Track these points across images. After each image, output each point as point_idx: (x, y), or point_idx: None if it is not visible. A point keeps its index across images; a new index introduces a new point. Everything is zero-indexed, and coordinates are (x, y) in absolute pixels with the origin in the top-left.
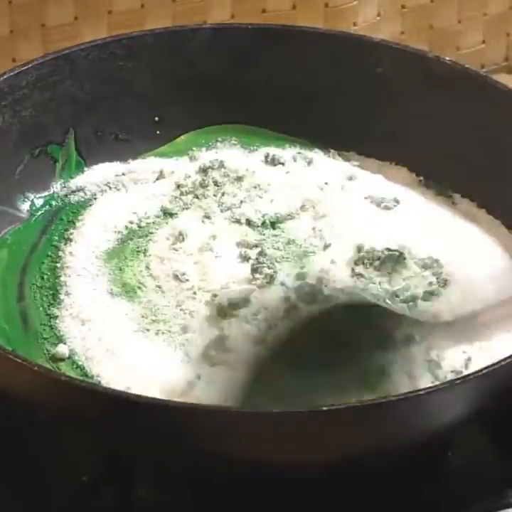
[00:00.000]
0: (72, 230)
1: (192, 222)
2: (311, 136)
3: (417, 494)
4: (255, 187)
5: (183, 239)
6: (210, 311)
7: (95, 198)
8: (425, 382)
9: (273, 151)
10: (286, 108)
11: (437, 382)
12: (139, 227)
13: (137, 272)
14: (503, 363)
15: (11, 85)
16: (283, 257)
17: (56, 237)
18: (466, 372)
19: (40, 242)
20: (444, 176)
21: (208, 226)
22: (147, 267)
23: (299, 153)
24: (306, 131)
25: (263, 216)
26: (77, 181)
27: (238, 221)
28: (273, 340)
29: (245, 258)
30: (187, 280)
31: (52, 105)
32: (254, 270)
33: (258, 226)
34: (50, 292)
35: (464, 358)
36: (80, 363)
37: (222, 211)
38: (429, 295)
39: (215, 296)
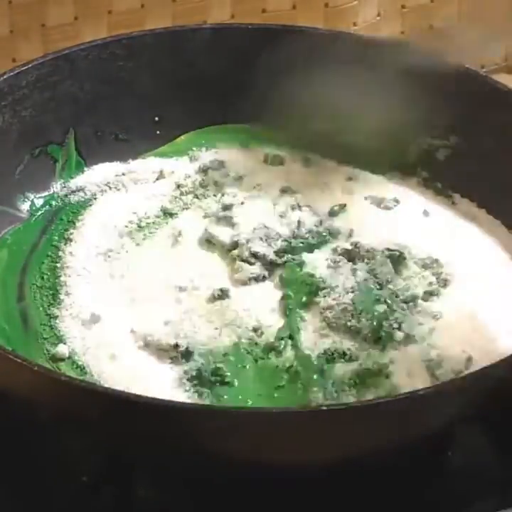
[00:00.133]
0: (72, 230)
1: (192, 222)
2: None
3: (417, 494)
4: (255, 187)
5: (183, 239)
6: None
7: (95, 198)
8: (425, 382)
9: (273, 151)
10: (285, 108)
11: (437, 382)
12: (139, 227)
13: None
14: (503, 363)
15: (11, 85)
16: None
17: (56, 237)
18: (466, 372)
19: (40, 242)
20: (444, 176)
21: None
22: None
23: (299, 153)
24: (305, 131)
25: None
26: (77, 181)
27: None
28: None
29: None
30: (186, 279)
31: (52, 105)
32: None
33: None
34: (50, 292)
35: (464, 357)
36: (80, 363)
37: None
38: (429, 295)
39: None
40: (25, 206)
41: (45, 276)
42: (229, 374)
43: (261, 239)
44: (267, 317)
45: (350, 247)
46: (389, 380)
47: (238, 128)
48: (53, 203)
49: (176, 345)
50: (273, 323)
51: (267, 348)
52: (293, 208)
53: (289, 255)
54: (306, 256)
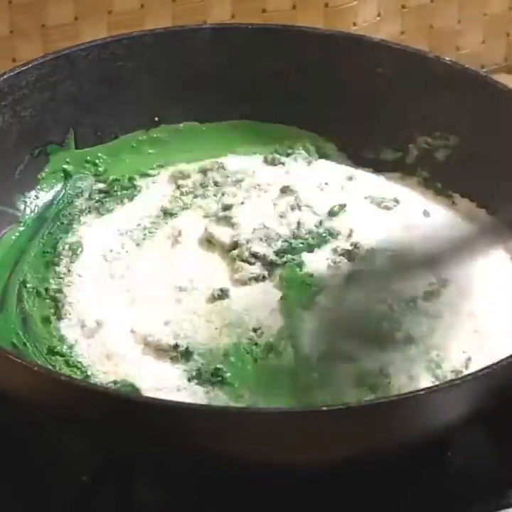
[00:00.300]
0: (71, 231)
1: (192, 222)
2: (310, 136)
3: (417, 494)
4: (255, 187)
5: (183, 239)
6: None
7: (95, 199)
8: (425, 382)
9: (273, 150)
10: (286, 108)
11: (437, 382)
12: (139, 227)
13: None
14: (503, 363)
15: (11, 85)
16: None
17: (56, 238)
18: (466, 372)
19: (39, 242)
20: (444, 176)
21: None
22: None
23: (299, 153)
24: (305, 131)
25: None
26: (77, 181)
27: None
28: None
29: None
30: (186, 279)
31: (52, 105)
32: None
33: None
34: (50, 294)
35: (464, 357)
36: (79, 362)
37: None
38: (429, 295)
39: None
40: (25, 206)
41: (45, 277)
42: (229, 374)
43: (261, 239)
44: (267, 317)
45: (350, 247)
46: (389, 380)
47: (238, 128)
48: (53, 203)
49: (176, 346)
50: (273, 323)
51: (267, 348)
52: (293, 208)
53: (289, 255)
54: (306, 256)
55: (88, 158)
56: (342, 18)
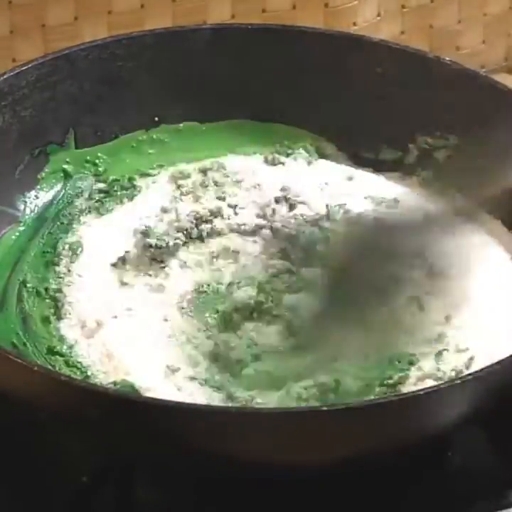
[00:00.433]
0: (71, 231)
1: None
2: (310, 136)
3: (417, 494)
4: (255, 187)
5: None
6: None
7: (95, 199)
8: (425, 382)
9: (272, 150)
10: (286, 108)
11: (437, 383)
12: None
13: None
14: (503, 362)
15: (11, 85)
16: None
17: (56, 238)
18: (466, 372)
19: (39, 242)
20: (444, 176)
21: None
22: None
23: (299, 153)
24: (305, 131)
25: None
26: (77, 182)
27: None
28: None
29: None
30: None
31: (52, 105)
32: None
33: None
34: (50, 294)
35: (466, 357)
36: (79, 363)
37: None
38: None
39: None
40: (24, 206)
41: (45, 277)
42: (229, 374)
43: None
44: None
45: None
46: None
47: (238, 128)
48: (53, 203)
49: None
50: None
51: (267, 348)
52: (292, 208)
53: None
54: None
55: (88, 158)
56: (342, 18)
